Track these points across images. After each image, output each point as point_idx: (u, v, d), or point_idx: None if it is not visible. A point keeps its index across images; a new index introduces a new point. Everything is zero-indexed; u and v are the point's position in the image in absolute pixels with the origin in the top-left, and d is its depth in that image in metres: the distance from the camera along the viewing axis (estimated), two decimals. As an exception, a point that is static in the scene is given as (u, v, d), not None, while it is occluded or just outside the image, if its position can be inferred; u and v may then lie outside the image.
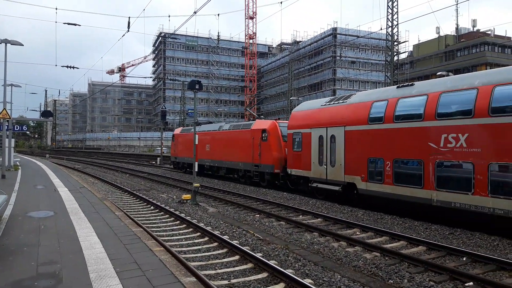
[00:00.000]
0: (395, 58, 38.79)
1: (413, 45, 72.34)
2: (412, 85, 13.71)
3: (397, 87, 14.39)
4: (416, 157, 12.48)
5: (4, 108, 22.33)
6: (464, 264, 8.33)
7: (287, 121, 21.05)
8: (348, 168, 15.43)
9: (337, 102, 16.92)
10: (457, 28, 68.12)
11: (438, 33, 68.13)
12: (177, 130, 36.84)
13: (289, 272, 7.22)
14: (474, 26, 67.67)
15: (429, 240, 9.95)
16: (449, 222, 11.70)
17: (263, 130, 21.91)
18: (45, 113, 40.41)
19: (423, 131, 12.22)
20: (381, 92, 15.09)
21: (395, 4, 36.85)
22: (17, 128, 35.25)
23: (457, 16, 70.65)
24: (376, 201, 14.49)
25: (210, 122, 32.02)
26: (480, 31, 65.37)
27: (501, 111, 10.21)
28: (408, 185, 12.71)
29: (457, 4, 63.78)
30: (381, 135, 13.87)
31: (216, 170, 27.65)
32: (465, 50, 60.27)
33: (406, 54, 67.10)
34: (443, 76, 15.13)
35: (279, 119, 23.96)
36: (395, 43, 38.28)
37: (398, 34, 38.05)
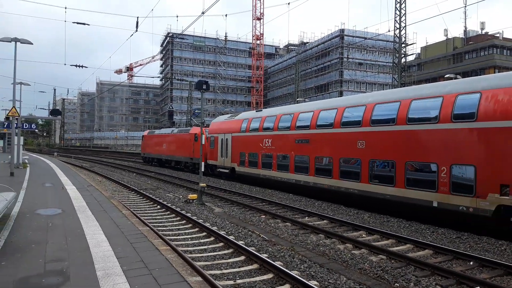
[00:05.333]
0: (403, 60, 38.59)
1: (421, 47, 71.82)
2: (261, 110, 24.05)
3: (256, 111, 24.39)
4: (256, 151, 22.11)
5: (14, 106, 22.57)
6: (471, 268, 8.28)
7: None
8: (232, 159, 24.89)
9: (231, 117, 26.72)
10: (465, 31, 67.52)
11: (446, 35, 67.51)
12: (146, 132, 47.07)
13: (294, 273, 7.23)
14: (482, 29, 67.04)
15: (435, 243, 9.90)
16: (455, 226, 11.64)
17: (195, 134, 30.86)
18: (54, 112, 40.76)
19: (258, 137, 21.90)
20: (248, 114, 25.18)
21: (403, 6, 36.68)
22: (26, 126, 35.66)
23: (465, 19, 70.35)
24: (243, 178, 23.78)
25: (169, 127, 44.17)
26: (489, 33, 64.77)
27: (281, 128, 20.00)
28: (254, 167, 22.36)
29: (465, 6, 63.33)
30: (245, 139, 23.63)
31: (169, 162, 37.50)
32: (473, 52, 59.72)
33: (414, 56, 66.65)
34: (451, 78, 15.34)
35: (207, 126, 31.03)
36: (403, 45, 38.09)
37: (405, 36, 37.90)
